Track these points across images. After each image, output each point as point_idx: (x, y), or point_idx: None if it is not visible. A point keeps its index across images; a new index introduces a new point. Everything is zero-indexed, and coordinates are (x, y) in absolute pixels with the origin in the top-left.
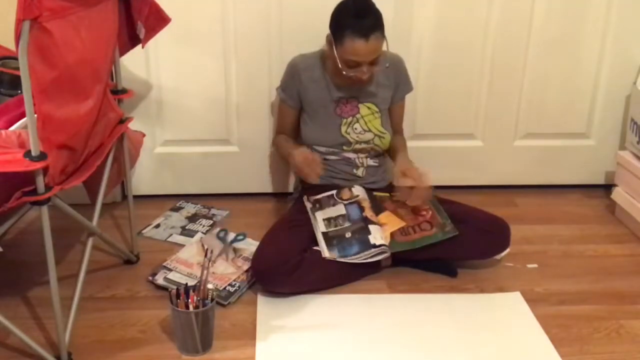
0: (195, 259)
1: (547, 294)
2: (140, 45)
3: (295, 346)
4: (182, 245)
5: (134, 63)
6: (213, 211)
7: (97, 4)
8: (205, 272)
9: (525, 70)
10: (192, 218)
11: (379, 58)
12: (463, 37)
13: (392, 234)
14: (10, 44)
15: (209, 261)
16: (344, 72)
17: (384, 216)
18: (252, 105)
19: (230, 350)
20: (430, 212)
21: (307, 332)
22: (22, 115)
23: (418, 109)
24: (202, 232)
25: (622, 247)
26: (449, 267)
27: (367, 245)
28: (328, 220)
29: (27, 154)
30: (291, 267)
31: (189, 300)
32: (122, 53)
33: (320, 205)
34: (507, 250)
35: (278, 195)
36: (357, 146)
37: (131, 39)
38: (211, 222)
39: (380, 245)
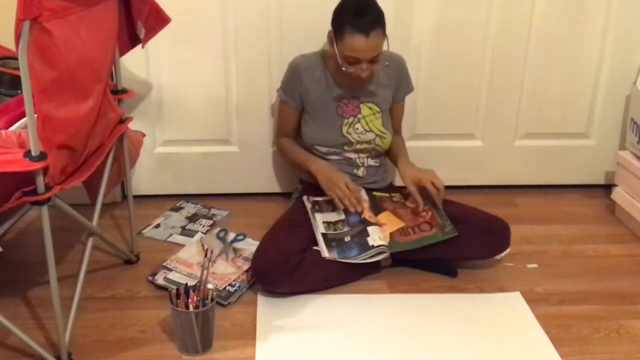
0: (195, 259)
1: (547, 294)
2: (140, 45)
3: (295, 346)
4: (182, 245)
5: (134, 63)
6: (213, 211)
7: (97, 4)
8: (205, 272)
9: (525, 70)
10: (192, 218)
11: (379, 56)
12: (463, 37)
13: (391, 234)
14: (10, 44)
15: (209, 261)
16: (344, 69)
17: (384, 216)
18: (252, 105)
19: (230, 350)
20: (429, 213)
21: (307, 332)
22: (22, 115)
23: (418, 109)
24: (202, 232)
25: (622, 247)
26: (449, 267)
27: (366, 247)
28: (327, 224)
29: (27, 154)
30: (291, 267)
31: (189, 300)
32: (122, 53)
33: (319, 208)
34: (507, 251)
35: (278, 195)
36: (358, 146)
37: (131, 39)
38: (211, 222)
39: (379, 246)
